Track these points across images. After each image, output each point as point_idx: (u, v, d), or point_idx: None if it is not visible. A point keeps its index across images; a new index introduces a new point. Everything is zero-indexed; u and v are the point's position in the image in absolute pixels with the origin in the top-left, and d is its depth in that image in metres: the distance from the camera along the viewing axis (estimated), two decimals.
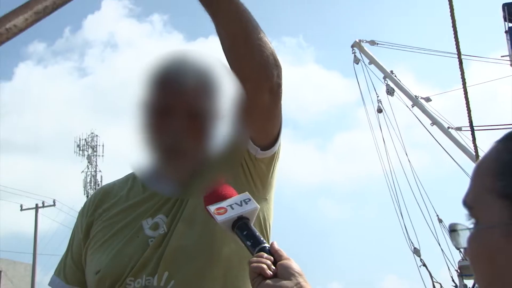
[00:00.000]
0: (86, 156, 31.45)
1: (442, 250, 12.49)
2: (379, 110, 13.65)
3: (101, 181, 30.97)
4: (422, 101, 13.42)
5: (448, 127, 13.06)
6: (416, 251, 12.67)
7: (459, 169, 12.41)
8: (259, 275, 1.16)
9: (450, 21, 5.20)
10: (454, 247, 11.97)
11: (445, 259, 12.54)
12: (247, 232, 1.23)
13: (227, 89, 1.46)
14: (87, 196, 30.19)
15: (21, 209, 25.61)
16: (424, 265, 12.58)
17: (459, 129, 12.85)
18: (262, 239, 1.22)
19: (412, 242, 12.73)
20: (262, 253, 1.18)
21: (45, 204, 25.39)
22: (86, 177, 30.99)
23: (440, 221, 12.60)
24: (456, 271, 12.62)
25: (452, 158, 12.76)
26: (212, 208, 1.25)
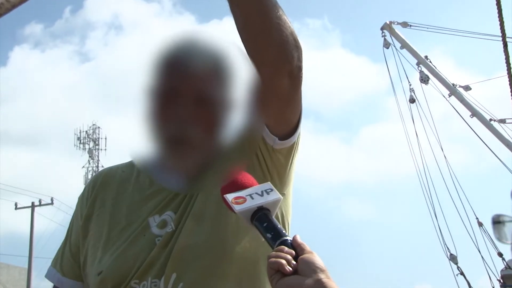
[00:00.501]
0: (87, 150, 31.66)
1: (482, 257, 12.38)
2: (412, 100, 13.55)
3: None
4: (461, 90, 13.28)
5: (490, 119, 12.91)
6: (453, 258, 12.58)
7: (502, 165, 12.28)
8: (277, 271, 1.16)
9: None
10: (496, 254, 11.89)
11: (486, 267, 12.44)
12: (268, 224, 1.23)
13: (242, 75, 1.46)
14: None
15: (16, 208, 25.91)
16: (462, 273, 12.49)
17: (502, 121, 12.70)
18: (283, 231, 1.22)
19: (448, 248, 12.65)
20: (283, 247, 1.19)
21: (42, 202, 25.65)
22: (87, 173, 31.16)
23: (480, 224, 12.49)
24: (499, 281, 12.50)
25: (494, 154, 12.63)
26: (230, 197, 1.25)
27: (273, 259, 1.16)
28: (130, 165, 1.63)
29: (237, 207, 1.24)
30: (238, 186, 1.27)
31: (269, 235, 1.22)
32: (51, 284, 1.63)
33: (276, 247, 1.19)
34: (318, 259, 1.17)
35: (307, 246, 1.19)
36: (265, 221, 1.23)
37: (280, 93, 1.42)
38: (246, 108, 1.48)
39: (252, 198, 1.25)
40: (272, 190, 1.27)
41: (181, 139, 1.44)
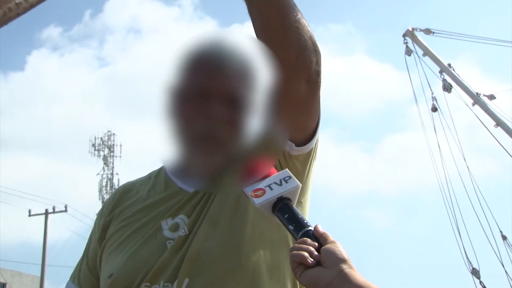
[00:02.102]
0: (102, 157, 31.90)
1: (506, 271, 12.26)
2: (434, 109, 13.49)
3: (118, 185, 31.30)
4: (485, 98, 13.18)
5: None
6: (475, 272, 12.47)
7: None
8: (300, 264, 1.17)
9: None
10: None
11: (510, 282, 12.30)
12: (289, 214, 1.23)
13: (264, 78, 1.45)
14: (102, 202, 30.76)
15: (29, 215, 26.16)
16: None
17: None
18: (306, 221, 1.23)
19: (470, 262, 12.53)
20: (305, 238, 1.19)
21: (56, 210, 25.87)
22: (101, 180, 31.44)
23: (504, 238, 12.38)
24: None
25: None
26: (249, 190, 1.26)
27: (296, 252, 1.17)
28: (147, 178, 1.65)
29: (257, 201, 1.24)
30: (256, 177, 1.27)
31: (291, 227, 1.22)
32: None
33: (299, 238, 1.19)
34: (341, 249, 1.17)
35: (330, 235, 1.20)
36: (286, 212, 1.23)
37: (298, 98, 1.42)
38: (266, 112, 1.48)
39: (271, 189, 1.25)
40: (290, 177, 1.27)
41: (210, 136, 1.43)
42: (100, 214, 1.65)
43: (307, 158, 1.52)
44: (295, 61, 1.38)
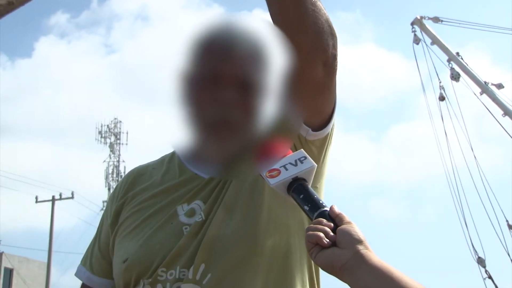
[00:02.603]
0: (108, 144, 31.93)
1: (511, 260, 12.25)
2: (442, 98, 13.42)
3: (124, 172, 31.34)
4: (493, 87, 13.11)
5: None
6: (481, 261, 12.46)
7: None
8: (316, 244, 1.16)
9: None
10: None
11: None
12: (304, 194, 1.23)
13: (278, 61, 1.43)
14: (109, 189, 30.75)
15: (36, 201, 26.24)
16: (490, 277, 12.36)
17: None
18: (321, 202, 1.22)
19: (476, 251, 12.52)
20: (321, 219, 1.19)
21: (63, 196, 25.93)
22: (108, 168, 31.44)
23: (511, 227, 12.36)
24: None
25: None
26: (264, 171, 1.26)
27: (311, 232, 1.16)
28: (160, 162, 1.64)
29: (271, 181, 1.24)
30: (271, 157, 1.27)
31: (306, 207, 1.21)
32: (72, 279, 1.67)
33: (315, 219, 1.20)
34: (357, 230, 1.16)
35: (346, 216, 1.19)
36: (301, 192, 1.23)
37: (314, 82, 1.41)
38: (281, 96, 1.46)
39: (286, 169, 1.24)
40: (306, 158, 1.26)
41: (224, 122, 1.41)
42: (112, 199, 1.63)
43: (323, 143, 1.51)
44: (311, 44, 1.38)
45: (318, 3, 1.38)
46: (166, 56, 1.55)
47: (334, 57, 1.41)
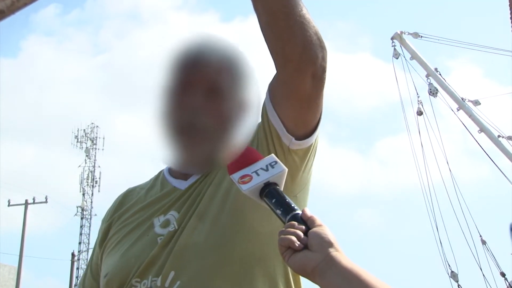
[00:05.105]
0: (84, 149, 31.68)
1: (484, 275, 12.35)
2: (419, 113, 13.56)
3: (99, 178, 31.17)
4: (470, 104, 13.28)
5: (499, 136, 12.91)
6: (454, 275, 12.56)
7: (510, 185, 12.24)
8: (288, 248, 1.18)
9: (509, 13, 5.17)
10: (498, 273, 11.87)
11: (487, 286, 12.42)
12: (276, 199, 1.25)
13: (256, 78, 1.49)
14: (83, 194, 30.54)
15: (9, 205, 25.89)
16: None
17: (511, 138, 12.70)
18: (293, 205, 1.24)
19: (449, 265, 12.63)
20: (293, 222, 1.20)
21: (36, 201, 25.65)
22: (83, 173, 31.25)
23: (484, 242, 12.47)
24: None
25: (501, 172, 12.62)
26: (236, 177, 1.28)
27: (283, 236, 1.18)
28: (148, 181, 1.69)
29: (244, 187, 1.26)
30: (243, 163, 1.29)
31: (279, 211, 1.23)
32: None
33: (287, 222, 1.21)
34: (327, 232, 1.18)
35: (318, 219, 1.21)
36: (273, 196, 1.25)
37: (302, 93, 1.44)
38: (259, 110, 1.50)
39: (258, 175, 1.26)
40: (276, 162, 1.28)
41: (191, 127, 1.46)
42: (102, 220, 1.69)
43: (306, 153, 1.52)
44: (300, 56, 1.39)
45: (307, 15, 1.40)
46: (153, 62, 1.63)
47: (323, 69, 1.43)
